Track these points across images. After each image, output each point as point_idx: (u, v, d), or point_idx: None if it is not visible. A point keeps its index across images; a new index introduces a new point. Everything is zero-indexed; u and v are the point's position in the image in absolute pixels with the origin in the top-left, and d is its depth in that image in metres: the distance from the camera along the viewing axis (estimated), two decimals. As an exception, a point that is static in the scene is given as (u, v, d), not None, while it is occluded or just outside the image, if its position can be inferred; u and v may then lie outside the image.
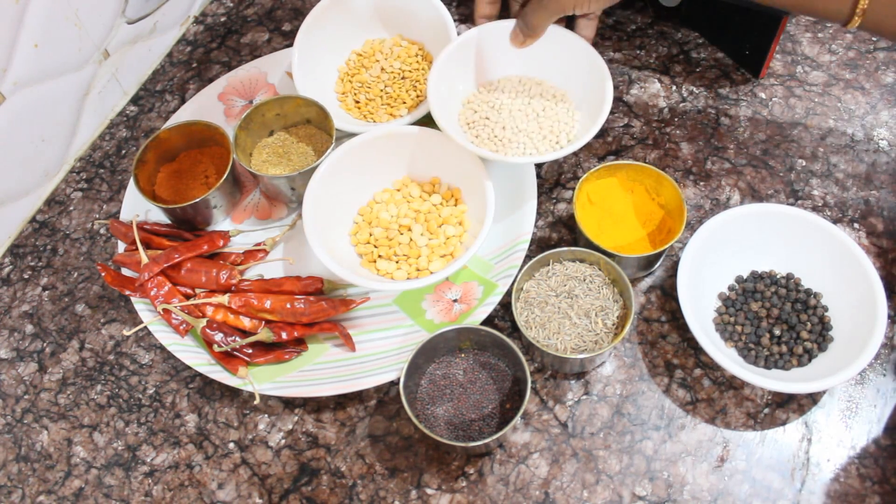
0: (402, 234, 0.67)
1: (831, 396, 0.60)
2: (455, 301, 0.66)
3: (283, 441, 0.62)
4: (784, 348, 0.60)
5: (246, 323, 0.64)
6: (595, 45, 0.80)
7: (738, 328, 0.61)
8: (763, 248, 0.63)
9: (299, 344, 0.65)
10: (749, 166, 0.72)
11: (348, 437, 0.62)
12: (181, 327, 0.65)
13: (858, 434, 0.59)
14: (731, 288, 0.64)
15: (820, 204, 0.69)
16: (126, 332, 0.65)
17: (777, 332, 0.61)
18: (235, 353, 0.63)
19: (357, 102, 0.76)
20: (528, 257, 0.68)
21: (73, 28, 0.73)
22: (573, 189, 0.64)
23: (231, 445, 0.63)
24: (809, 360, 0.60)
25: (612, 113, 0.76)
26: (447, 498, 0.59)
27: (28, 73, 0.70)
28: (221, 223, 0.73)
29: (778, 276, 0.63)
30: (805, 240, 0.62)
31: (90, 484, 0.62)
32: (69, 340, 0.69)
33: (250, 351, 0.63)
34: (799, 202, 0.69)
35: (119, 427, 0.65)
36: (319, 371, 0.63)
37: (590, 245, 0.62)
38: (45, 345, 0.69)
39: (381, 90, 0.76)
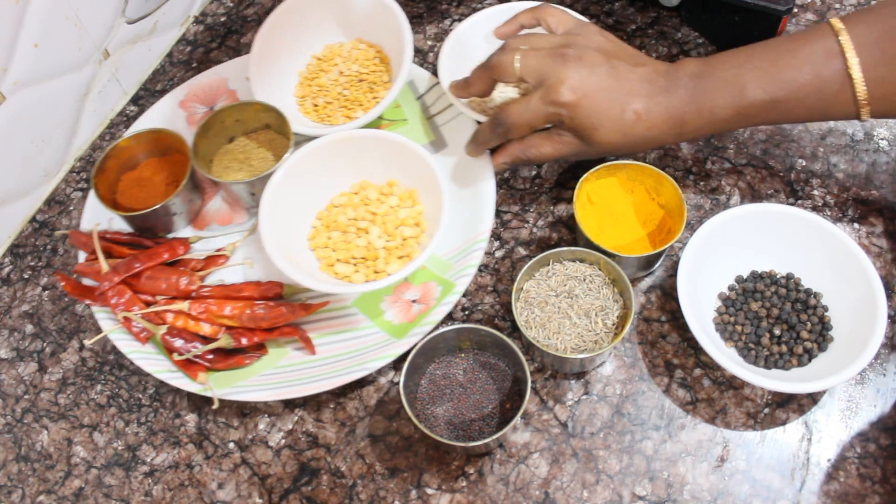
0: (359, 237, 0.67)
1: (831, 396, 0.60)
2: (414, 301, 0.66)
3: (283, 441, 0.62)
4: (784, 348, 0.60)
5: (206, 329, 0.65)
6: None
7: (738, 328, 0.61)
8: (763, 248, 0.63)
9: (259, 349, 0.65)
10: (749, 166, 0.72)
11: (348, 437, 0.62)
12: (142, 335, 0.65)
13: (858, 434, 0.59)
14: (731, 288, 0.64)
15: (820, 204, 0.69)
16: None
17: (777, 331, 0.61)
18: (196, 359, 0.63)
19: (315, 106, 0.77)
20: (528, 257, 0.68)
21: (73, 28, 0.73)
22: (573, 189, 0.64)
23: (231, 445, 0.63)
24: (809, 360, 0.60)
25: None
26: (447, 498, 0.59)
27: (28, 73, 0.70)
28: (183, 230, 0.73)
29: (778, 276, 0.63)
30: (805, 240, 0.62)
31: (90, 484, 0.62)
32: (69, 340, 0.69)
33: (211, 357, 0.64)
34: (799, 202, 0.69)
35: (119, 427, 0.65)
36: (280, 375, 0.64)
37: (590, 245, 0.62)
38: (45, 345, 0.69)
39: (339, 93, 0.76)
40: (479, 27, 0.76)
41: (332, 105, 0.76)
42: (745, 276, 0.64)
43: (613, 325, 0.60)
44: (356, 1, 0.77)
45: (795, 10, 0.81)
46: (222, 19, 0.89)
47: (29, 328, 0.70)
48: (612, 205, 0.65)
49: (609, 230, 0.64)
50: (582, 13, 0.83)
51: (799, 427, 0.59)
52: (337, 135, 0.68)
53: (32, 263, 0.74)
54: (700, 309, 0.61)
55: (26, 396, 0.67)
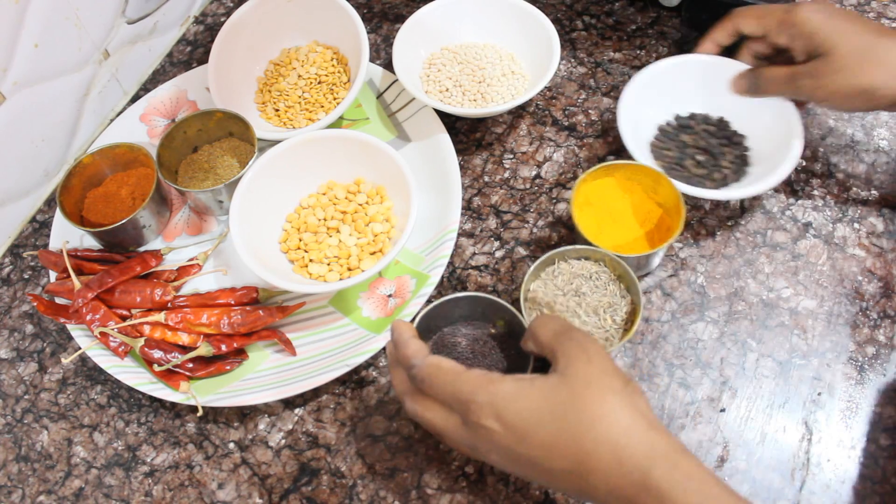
0: (330, 236, 0.68)
1: (831, 396, 0.60)
2: (390, 296, 0.67)
3: (283, 441, 0.62)
4: (704, 171, 0.68)
5: (184, 338, 0.65)
6: (595, 45, 0.81)
7: (667, 152, 0.69)
8: (707, 95, 0.71)
9: (240, 354, 0.65)
10: (749, 166, 0.72)
11: (348, 437, 0.62)
12: (120, 349, 0.65)
13: (858, 434, 0.59)
14: (668, 123, 0.72)
15: (820, 204, 0.69)
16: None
17: (700, 157, 0.69)
18: (177, 369, 0.63)
19: (277, 111, 0.77)
20: (528, 257, 0.68)
21: (73, 28, 0.73)
22: (572, 189, 0.64)
23: (231, 445, 0.63)
24: (724, 186, 0.67)
25: (612, 113, 0.76)
26: (447, 498, 0.59)
27: (28, 73, 0.70)
28: (153, 242, 0.73)
29: (712, 118, 0.71)
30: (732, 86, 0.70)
31: (90, 484, 0.62)
32: (69, 340, 0.69)
33: (191, 366, 0.64)
34: (799, 202, 0.69)
35: (119, 427, 0.65)
36: (262, 378, 0.64)
37: (582, 238, 0.62)
38: (45, 345, 0.69)
39: (300, 97, 0.77)
40: (441, 12, 0.77)
41: (294, 109, 0.76)
42: (684, 116, 0.72)
43: (623, 320, 0.60)
44: (310, 4, 0.78)
45: (795, 10, 0.81)
46: (222, 19, 0.89)
47: (29, 328, 0.70)
48: (610, 205, 0.65)
49: (608, 230, 0.64)
50: (582, 13, 0.83)
51: (799, 427, 0.59)
52: (301, 137, 0.69)
53: (32, 263, 0.74)
54: (639, 131, 0.70)
55: (26, 396, 0.67)
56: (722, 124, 0.71)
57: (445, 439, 0.49)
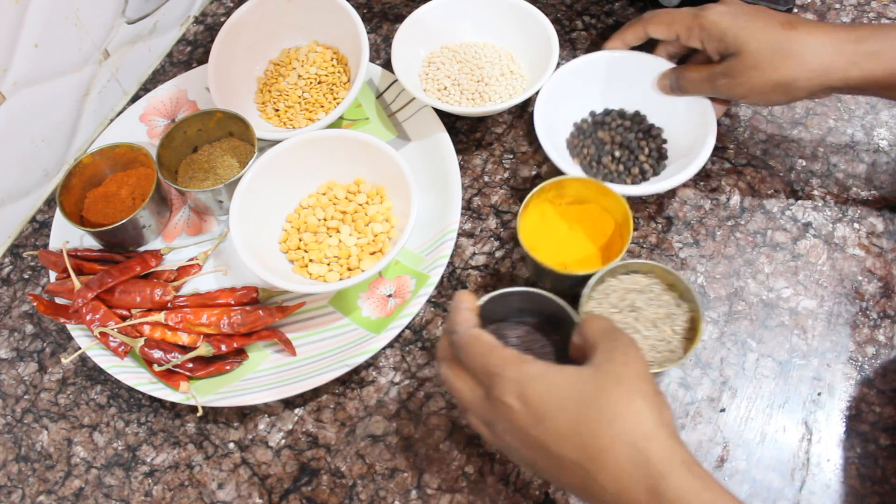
0: (330, 236, 0.68)
1: (831, 396, 0.60)
2: (390, 296, 0.67)
3: (283, 441, 0.62)
4: (622, 167, 0.68)
5: (184, 338, 0.65)
6: (595, 44, 0.81)
7: (585, 150, 0.70)
8: (621, 90, 0.72)
9: (239, 354, 0.66)
10: (749, 166, 0.72)
11: (348, 437, 0.62)
12: (120, 349, 0.65)
13: (858, 434, 0.59)
14: (584, 120, 0.72)
15: (820, 204, 0.69)
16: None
17: (617, 153, 0.69)
18: (177, 369, 0.63)
19: (277, 111, 0.77)
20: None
21: (73, 28, 0.73)
22: (518, 214, 0.63)
23: (231, 445, 0.63)
24: (644, 180, 0.68)
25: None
26: (447, 498, 0.59)
27: (28, 73, 0.70)
28: (153, 242, 0.73)
29: (627, 113, 0.72)
30: (654, 83, 0.70)
31: (90, 484, 0.62)
32: (69, 340, 0.69)
33: (191, 366, 0.64)
34: (799, 202, 0.69)
35: (119, 427, 0.65)
36: (262, 378, 0.64)
37: (543, 271, 0.61)
38: (45, 345, 0.69)
39: (300, 97, 0.77)
40: (440, 11, 0.77)
41: (294, 109, 0.76)
42: (599, 112, 0.73)
43: (684, 329, 0.58)
44: (310, 4, 0.78)
45: (795, 10, 0.81)
46: (222, 19, 0.89)
47: (29, 328, 0.70)
48: (557, 226, 0.65)
49: (561, 251, 0.63)
50: (582, 13, 0.83)
51: (799, 427, 0.59)
52: (301, 137, 0.69)
53: (32, 263, 0.74)
54: (555, 130, 0.70)
55: (26, 396, 0.67)
56: (638, 118, 0.72)
57: (467, 413, 0.49)
